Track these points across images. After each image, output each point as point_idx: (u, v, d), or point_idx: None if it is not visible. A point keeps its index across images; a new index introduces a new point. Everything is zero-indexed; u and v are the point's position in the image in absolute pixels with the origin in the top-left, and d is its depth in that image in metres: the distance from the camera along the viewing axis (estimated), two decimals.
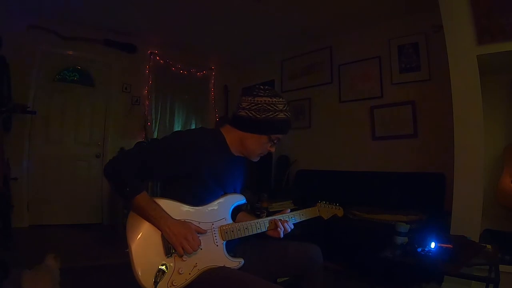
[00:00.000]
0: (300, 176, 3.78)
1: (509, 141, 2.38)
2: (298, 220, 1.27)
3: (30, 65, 3.36)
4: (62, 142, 3.66)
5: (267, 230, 1.18)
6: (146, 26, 3.73)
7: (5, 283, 1.66)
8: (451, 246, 1.49)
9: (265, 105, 1.10)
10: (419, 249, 1.51)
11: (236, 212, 1.24)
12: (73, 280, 1.92)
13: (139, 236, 1.01)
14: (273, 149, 1.19)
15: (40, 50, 3.45)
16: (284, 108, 1.13)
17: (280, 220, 1.19)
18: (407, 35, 3.17)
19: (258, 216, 1.33)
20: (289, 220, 1.22)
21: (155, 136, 4.13)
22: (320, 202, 1.39)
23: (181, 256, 1.00)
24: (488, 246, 1.63)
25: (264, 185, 3.71)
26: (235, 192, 1.21)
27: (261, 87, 1.15)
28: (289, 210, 1.26)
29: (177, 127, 4.40)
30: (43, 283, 1.54)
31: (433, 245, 1.51)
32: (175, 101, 4.38)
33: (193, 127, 4.56)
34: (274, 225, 1.18)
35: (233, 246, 1.14)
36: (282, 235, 1.18)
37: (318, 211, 1.36)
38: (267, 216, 1.25)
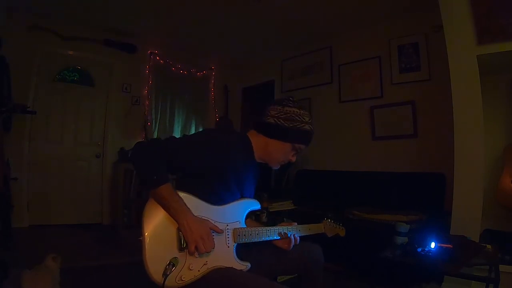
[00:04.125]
0: (300, 176, 3.77)
1: (509, 141, 2.38)
2: (305, 234, 1.30)
3: (30, 65, 3.36)
4: (62, 142, 3.66)
5: (277, 239, 1.20)
6: (146, 26, 3.73)
7: (5, 283, 1.66)
8: (451, 246, 1.49)
9: (293, 115, 1.16)
10: (419, 249, 1.51)
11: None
12: (73, 280, 1.92)
13: (155, 226, 1.00)
14: (294, 159, 1.24)
15: (40, 50, 3.45)
16: (310, 121, 1.19)
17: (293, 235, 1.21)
18: (407, 35, 3.17)
19: (258, 216, 1.33)
20: (297, 232, 1.26)
21: (155, 136, 4.13)
22: (326, 220, 1.43)
23: (192, 254, 1.00)
24: (488, 246, 1.63)
25: (264, 185, 3.71)
26: (251, 196, 1.24)
27: (290, 98, 1.21)
28: (295, 224, 1.29)
29: (177, 127, 4.41)
30: (43, 283, 1.54)
31: (433, 245, 1.51)
32: (175, 101, 4.38)
33: (193, 127, 4.57)
34: (284, 237, 1.20)
35: (240, 248, 1.15)
36: (292, 248, 1.21)
37: (324, 227, 1.40)
38: (267, 216, 1.26)
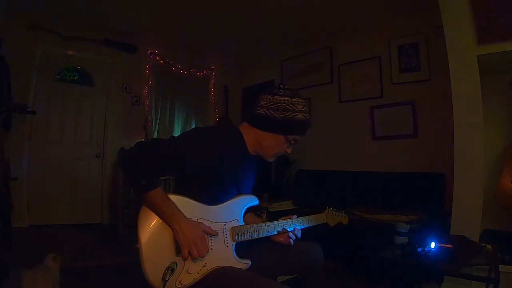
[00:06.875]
0: (300, 176, 3.78)
1: (509, 141, 2.38)
2: (306, 226, 1.26)
3: (30, 65, 3.36)
4: (62, 142, 3.66)
5: (276, 234, 1.18)
6: (146, 26, 3.73)
7: (5, 283, 1.66)
8: (451, 246, 1.49)
9: (284, 104, 1.07)
10: (419, 249, 1.51)
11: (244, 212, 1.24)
12: (73, 280, 1.92)
13: (151, 232, 0.99)
14: (289, 150, 1.17)
15: (40, 50, 3.45)
16: (303, 109, 1.10)
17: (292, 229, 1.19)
18: (407, 35, 3.17)
19: (258, 216, 1.33)
20: (298, 225, 1.22)
21: (155, 136, 4.13)
22: (328, 209, 1.38)
23: (185, 259, 0.99)
24: (488, 246, 1.63)
25: (264, 185, 3.70)
26: (248, 192, 1.21)
27: (281, 86, 1.12)
28: (295, 216, 1.25)
29: (177, 127, 4.41)
30: (42, 283, 1.54)
31: (433, 245, 1.51)
32: (175, 101, 4.38)
33: (193, 127, 4.56)
34: (283, 232, 1.18)
35: (239, 247, 1.14)
36: (292, 243, 1.19)
37: (326, 217, 1.35)
38: (267, 216, 1.25)
